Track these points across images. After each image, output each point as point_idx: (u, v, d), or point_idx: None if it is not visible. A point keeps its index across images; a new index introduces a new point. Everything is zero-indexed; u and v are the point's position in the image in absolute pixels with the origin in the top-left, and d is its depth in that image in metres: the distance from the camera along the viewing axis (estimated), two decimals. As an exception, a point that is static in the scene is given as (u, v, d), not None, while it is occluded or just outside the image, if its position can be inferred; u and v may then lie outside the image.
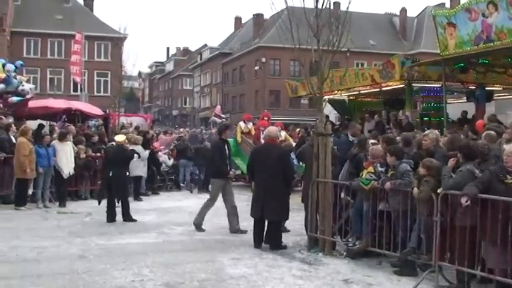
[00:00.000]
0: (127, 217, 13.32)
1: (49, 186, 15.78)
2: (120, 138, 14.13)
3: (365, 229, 9.52)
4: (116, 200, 13.53)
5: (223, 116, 44.41)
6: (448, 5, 59.35)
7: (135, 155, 15.44)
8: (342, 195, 10.22)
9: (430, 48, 45.52)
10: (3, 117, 17.88)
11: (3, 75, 19.03)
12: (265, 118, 22.13)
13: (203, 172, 20.56)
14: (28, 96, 19.36)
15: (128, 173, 14.38)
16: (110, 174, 13.25)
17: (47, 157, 15.48)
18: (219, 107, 47.64)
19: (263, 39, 62.81)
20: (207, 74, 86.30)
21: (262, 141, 17.34)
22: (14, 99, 18.90)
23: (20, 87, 19.19)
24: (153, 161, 19.28)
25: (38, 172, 15.29)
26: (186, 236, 11.80)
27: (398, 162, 9.14)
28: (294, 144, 17.38)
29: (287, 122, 36.65)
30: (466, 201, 7.58)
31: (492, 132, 10.02)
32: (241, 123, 22.72)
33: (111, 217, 13.24)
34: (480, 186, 7.62)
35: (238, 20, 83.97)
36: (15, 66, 19.81)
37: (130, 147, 16.33)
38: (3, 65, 19.60)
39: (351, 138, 14.14)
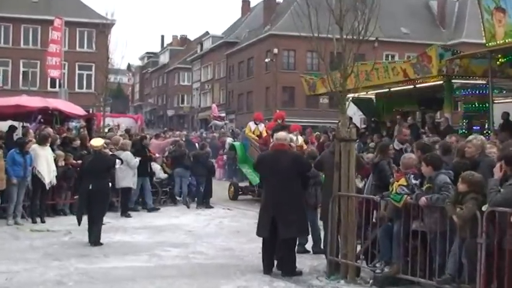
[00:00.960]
0: (95, 239, 12.85)
1: (22, 200, 15.67)
2: (97, 142, 13.93)
3: (395, 252, 9.40)
4: None
5: (223, 115, 44.38)
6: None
7: (117, 160, 15.49)
8: (381, 210, 10.03)
9: (473, 38, 45.26)
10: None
11: None
12: (279, 120, 21.85)
13: (203, 184, 20.52)
14: None
15: (110, 184, 14.29)
16: (90, 187, 13.05)
17: (24, 166, 15.37)
18: (214, 106, 47.50)
19: (275, 26, 62.66)
20: (209, 68, 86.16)
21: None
22: None
23: None
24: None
25: (11, 183, 15.18)
26: (182, 260, 11.73)
27: (436, 174, 9.02)
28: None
29: (303, 125, 36.55)
30: (517, 221, 7.45)
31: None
32: (251, 124, 22.56)
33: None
34: (535, 202, 7.50)
35: (245, 3, 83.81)
36: None
37: (122, 153, 16.44)
38: None
39: (397, 145, 14.05)
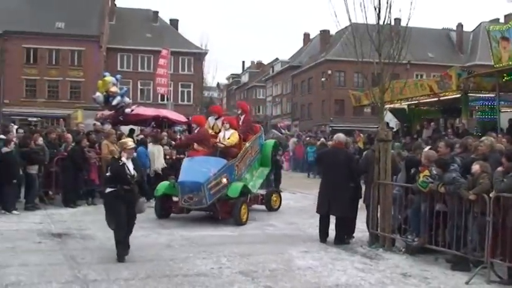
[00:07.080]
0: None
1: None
2: None
3: (422, 228, 9.25)
4: None
5: (285, 131, 40.92)
6: (502, 20, 57.10)
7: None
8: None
9: (485, 61, 43.92)
10: (102, 123, 18.41)
11: (116, 89, 19.11)
12: (239, 111, 15.31)
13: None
14: (133, 107, 19.66)
15: None
16: None
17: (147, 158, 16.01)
18: (284, 122, 42.77)
19: (329, 53, 62.13)
20: (278, 85, 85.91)
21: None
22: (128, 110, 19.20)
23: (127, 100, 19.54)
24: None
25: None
26: (258, 230, 11.84)
27: (443, 173, 8.79)
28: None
29: (351, 129, 36.15)
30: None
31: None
32: (210, 119, 14.73)
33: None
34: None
35: (306, 36, 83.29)
36: (116, 79, 19.82)
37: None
38: (116, 79, 19.59)
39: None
